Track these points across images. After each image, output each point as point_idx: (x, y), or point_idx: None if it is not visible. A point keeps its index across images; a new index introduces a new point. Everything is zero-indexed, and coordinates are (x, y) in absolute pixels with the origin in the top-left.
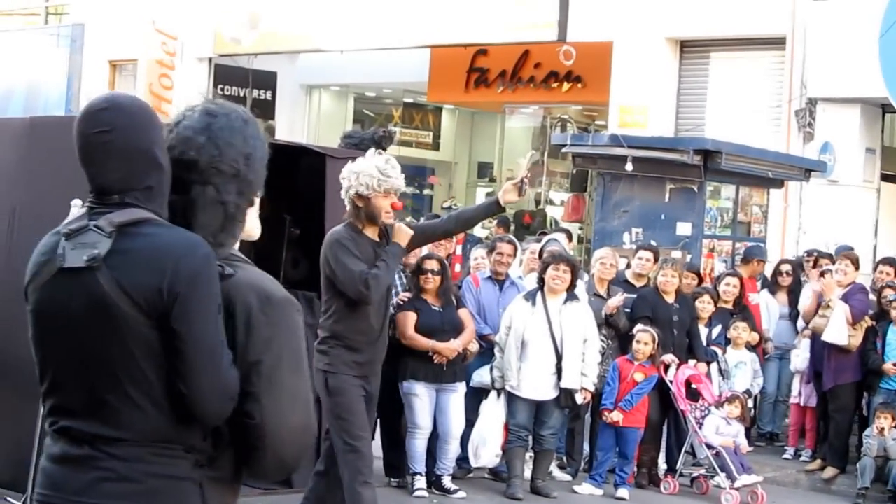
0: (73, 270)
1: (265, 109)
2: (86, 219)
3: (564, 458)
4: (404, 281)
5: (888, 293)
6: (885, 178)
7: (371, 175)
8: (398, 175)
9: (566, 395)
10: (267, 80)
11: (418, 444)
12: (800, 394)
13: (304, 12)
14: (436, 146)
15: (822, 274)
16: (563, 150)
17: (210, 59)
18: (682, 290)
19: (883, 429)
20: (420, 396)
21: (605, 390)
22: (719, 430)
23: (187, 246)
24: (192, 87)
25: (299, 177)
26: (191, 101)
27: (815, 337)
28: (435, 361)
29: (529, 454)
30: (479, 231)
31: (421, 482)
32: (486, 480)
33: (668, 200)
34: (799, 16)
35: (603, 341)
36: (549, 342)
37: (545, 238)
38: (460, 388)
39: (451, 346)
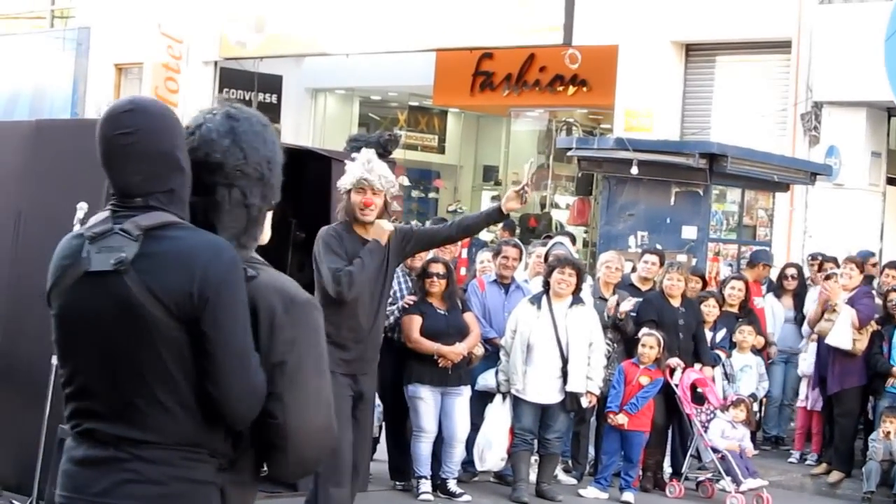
0: (100, 274)
1: (271, 113)
2: (110, 222)
3: (570, 462)
4: (409, 284)
5: (894, 297)
6: (890, 181)
7: (352, 172)
8: (375, 172)
9: (571, 399)
10: (272, 84)
11: (423, 448)
12: (807, 397)
13: (309, 16)
14: (441, 150)
15: (827, 278)
16: (569, 153)
17: (216, 63)
18: (688, 293)
19: (889, 433)
20: (425, 400)
21: (611, 393)
22: (725, 433)
23: (215, 249)
24: (198, 91)
25: (305, 180)
26: (203, 104)
27: (821, 341)
28: (440, 365)
29: (535, 458)
30: (484, 235)
31: (426, 486)
32: (492, 484)
33: (674, 204)
34: (805, 19)
35: (608, 345)
36: (554, 346)
37: (551, 242)
38: (465, 392)
39: (457, 350)
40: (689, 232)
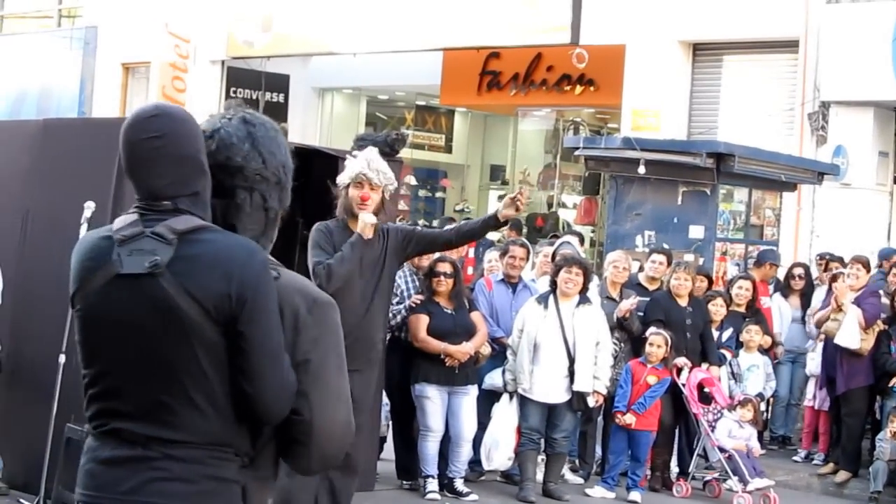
0: (133, 276)
1: (278, 112)
2: (139, 225)
3: (577, 462)
4: (417, 283)
5: None
6: None
7: (351, 167)
8: (374, 168)
9: (578, 399)
10: (280, 83)
11: (430, 447)
12: (814, 397)
13: (316, 15)
14: (448, 149)
15: (834, 278)
16: (576, 153)
17: (223, 62)
18: (695, 293)
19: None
20: (432, 399)
21: (618, 393)
22: (732, 433)
23: (249, 252)
24: (205, 90)
25: (311, 180)
26: (210, 103)
27: (828, 341)
28: (447, 364)
29: (542, 457)
30: (491, 234)
31: (433, 485)
32: (499, 483)
33: (681, 203)
34: (812, 19)
35: (616, 344)
36: (561, 345)
37: (558, 241)
38: (472, 391)
39: (463, 349)
40: (696, 231)
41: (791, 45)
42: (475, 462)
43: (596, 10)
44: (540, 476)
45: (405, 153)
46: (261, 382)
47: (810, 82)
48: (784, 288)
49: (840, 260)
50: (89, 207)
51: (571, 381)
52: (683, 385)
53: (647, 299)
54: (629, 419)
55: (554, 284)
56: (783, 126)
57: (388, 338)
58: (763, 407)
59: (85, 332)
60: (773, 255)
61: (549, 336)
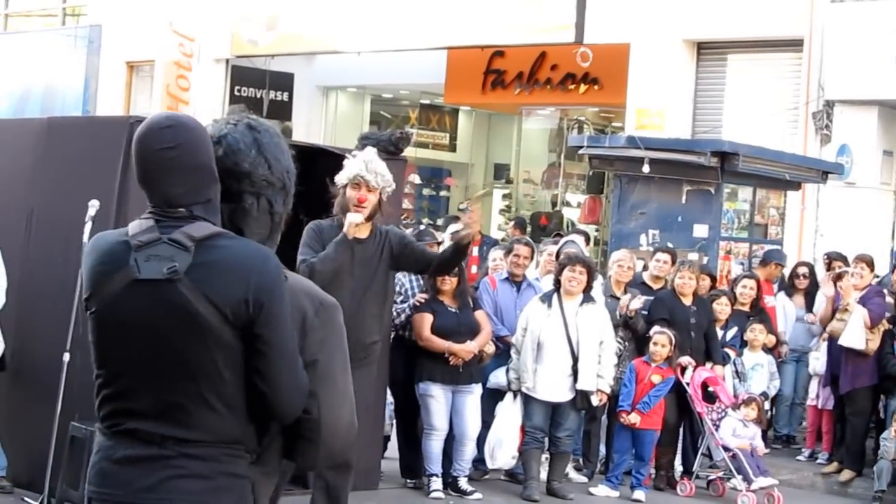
0: (151, 282)
1: (282, 111)
2: (156, 231)
3: (581, 460)
4: (421, 282)
5: None
6: None
7: (349, 168)
8: (373, 170)
9: (582, 397)
10: (284, 82)
11: (434, 446)
12: (817, 396)
13: (321, 14)
14: (452, 148)
15: (838, 277)
16: (580, 151)
17: (227, 61)
18: (699, 292)
19: None
20: (436, 398)
21: (622, 392)
22: (736, 432)
23: (263, 257)
24: (210, 89)
25: (316, 178)
26: (214, 102)
27: (833, 340)
28: (451, 363)
29: (545, 456)
30: (495, 233)
31: (437, 483)
32: (503, 482)
33: (685, 202)
34: (816, 18)
35: (620, 343)
36: (565, 344)
37: (563, 240)
38: (476, 390)
39: (467, 348)
40: (700, 230)
41: (795, 44)
42: (479, 461)
43: (600, 9)
44: (544, 475)
45: (409, 152)
46: (277, 383)
47: (814, 81)
48: (788, 287)
49: (844, 259)
50: (93, 206)
51: (575, 379)
52: (687, 384)
53: (652, 298)
54: (633, 418)
55: (558, 283)
56: (787, 125)
57: (392, 336)
58: (767, 406)
59: (100, 334)
60: (780, 256)
61: (553, 335)
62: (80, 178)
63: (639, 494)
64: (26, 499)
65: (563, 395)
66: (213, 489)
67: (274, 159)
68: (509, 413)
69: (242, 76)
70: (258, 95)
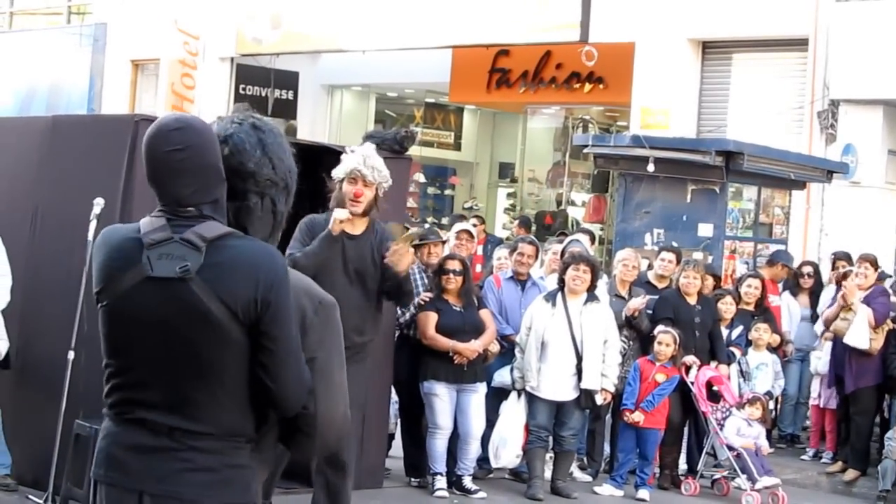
0: (163, 279)
1: (287, 109)
2: (168, 230)
3: (585, 459)
4: (426, 281)
5: None
6: None
7: (347, 162)
8: (370, 165)
9: (586, 396)
10: (289, 80)
11: (439, 445)
12: (819, 395)
13: (325, 12)
14: (457, 147)
15: (843, 276)
16: (585, 150)
17: (232, 59)
18: (704, 291)
19: None
20: (440, 396)
21: (626, 391)
22: (740, 431)
23: (270, 257)
24: (214, 87)
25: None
26: (219, 100)
27: (837, 340)
28: (455, 362)
29: (550, 455)
30: (500, 232)
31: (441, 482)
32: (507, 481)
33: (690, 202)
34: (821, 17)
35: (624, 342)
36: (569, 343)
37: (567, 239)
38: (481, 389)
39: (472, 347)
40: (705, 230)
41: (800, 43)
42: (483, 459)
43: (605, 8)
44: (548, 474)
45: (414, 150)
46: (282, 378)
47: (820, 80)
48: (793, 286)
49: (849, 258)
50: (98, 204)
51: (579, 378)
52: (692, 383)
53: (656, 297)
54: (637, 417)
55: (562, 282)
56: (792, 124)
57: (396, 335)
58: (771, 405)
59: (111, 327)
60: (787, 257)
61: (557, 334)
62: (85, 176)
63: (643, 493)
64: (31, 497)
65: (568, 394)
66: (219, 481)
67: (278, 159)
68: (513, 412)
69: (247, 74)
70: (263, 94)
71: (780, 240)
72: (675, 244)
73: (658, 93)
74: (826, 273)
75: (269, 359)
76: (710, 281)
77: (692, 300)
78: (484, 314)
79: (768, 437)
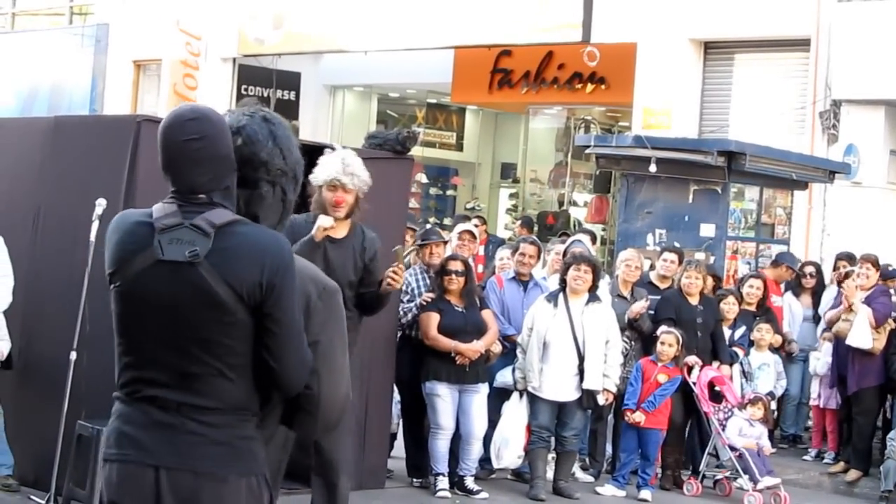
0: (173, 263)
1: (289, 110)
2: (179, 216)
3: (587, 460)
4: (428, 282)
5: None
6: None
7: (325, 168)
8: (349, 172)
9: (588, 397)
10: (291, 81)
11: (441, 445)
12: (819, 396)
13: (328, 13)
14: (459, 147)
15: (845, 276)
16: (587, 151)
17: (234, 60)
18: (706, 291)
19: None
20: (442, 397)
21: (628, 391)
22: (742, 431)
23: (277, 243)
24: (216, 88)
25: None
26: (221, 101)
27: (839, 340)
28: (458, 362)
29: (552, 455)
30: (502, 232)
31: (443, 483)
32: (509, 481)
33: (692, 202)
34: (824, 17)
35: (626, 342)
36: (570, 343)
37: (569, 239)
38: (483, 389)
39: (474, 347)
40: (707, 230)
41: (802, 44)
42: (485, 460)
43: (607, 9)
44: (550, 474)
45: (416, 151)
46: (285, 359)
47: (822, 81)
48: (795, 287)
49: (851, 259)
50: (100, 205)
51: (581, 379)
52: (694, 384)
53: (658, 298)
54: (638, 417)
55: (563, 282)
56: (794, 124)
57: (398, 335)
58: (773, 406)
59: (123, 308)
60: (791, 259)
61: (559, 334)
62: (88, 176)
63: (645, 494)
64: (33, 497)
65: (569, 394)
66: (232, 453)
67: (287, 150)
68: (515, 412)
69: (249, 75)
70: (265, 94)
71: (782, 240)
72: (677, 244)
73: (660, 93)
74: (828, 273)
75: (273, 340)
76: (710, 281)
77: (694, 300)
78: (486, 314)
79: (770, 437)
